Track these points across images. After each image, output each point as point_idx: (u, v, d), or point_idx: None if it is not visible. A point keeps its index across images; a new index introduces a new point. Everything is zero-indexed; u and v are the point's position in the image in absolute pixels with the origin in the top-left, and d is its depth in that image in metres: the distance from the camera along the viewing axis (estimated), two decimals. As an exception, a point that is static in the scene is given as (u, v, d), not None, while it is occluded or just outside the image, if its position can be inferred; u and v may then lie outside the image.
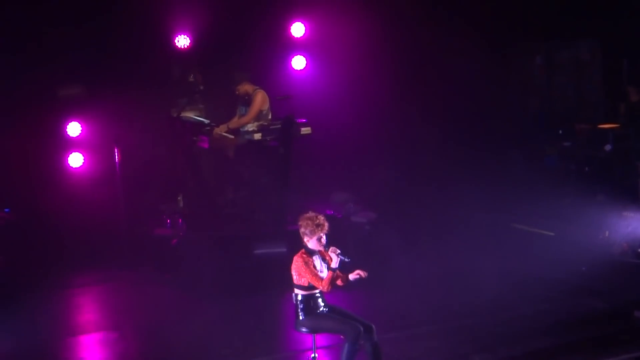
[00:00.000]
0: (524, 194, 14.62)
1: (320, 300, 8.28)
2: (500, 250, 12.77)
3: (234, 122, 13.71)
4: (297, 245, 8.34)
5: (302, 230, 8.26)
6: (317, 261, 8.27)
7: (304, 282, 8.20)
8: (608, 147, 14.44)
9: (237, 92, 13.63)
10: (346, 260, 8.16)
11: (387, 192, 15.01)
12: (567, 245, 12.79)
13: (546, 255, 12.52)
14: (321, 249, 8.26)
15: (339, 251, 8.16)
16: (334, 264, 8.14)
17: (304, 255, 8.24)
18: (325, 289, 8.16)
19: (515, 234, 13.75)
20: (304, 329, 8.30)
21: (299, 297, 8.26)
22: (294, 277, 8.24)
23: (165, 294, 12.02)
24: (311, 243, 8.24)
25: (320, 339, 8.97)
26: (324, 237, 8.24)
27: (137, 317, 11.30)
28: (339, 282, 8.24)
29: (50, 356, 10.06)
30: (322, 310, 8.29)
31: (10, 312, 11.25)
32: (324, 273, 8.22)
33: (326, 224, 8.28)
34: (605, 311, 10.68)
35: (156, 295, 12.03)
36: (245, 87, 13.61)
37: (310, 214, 8.32)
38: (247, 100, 13.71)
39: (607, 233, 12.84)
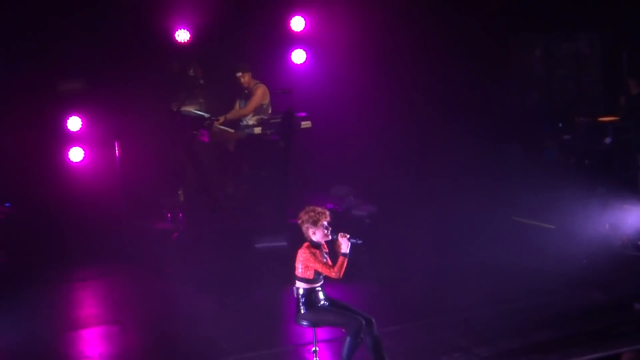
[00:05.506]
0: (524, 186, 14.61)
1: (321, 293, 8.30)
2: (500, 243, 12.76)
3: (232, 114, 13.76)
4: (298, 238, 8.34)
5: (305, 225, 8.25)
6: (322, 253, 8.30)
7: (309, 274, 8.20)
8: (608, 140, 14.43)
9: (240, 80, 13.67)
10: (358, 242, 8.15)
11: (387, 185, 15.01)
12: (567, 238, 12.78)
13: (546, 248, 12.51)
14: (327, 239, 8.25)
15: (348, 235, 8.17)
16: (344, 248, 8.15)
17: (311, 248, 8.25)
18: (338, 276, 8.15)
19: (515, 227, 13.75)
20: (304, 323, 8.32)
21: (300, 291, 8.27)
22: (299, 270, 8.24)
23: (166, 288, 12.02)
24: (317, 235, 8.23)
25: (321, 333, 8.97)
26: (328, 225, 8.25)
27: (138, 311, 11.31)
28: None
29: (51, 350, 10.05)
30: (323, 304, 8.31)
31: (11, 306, 11.26)
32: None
33: (327, 212, 8.29)
34: (606, 304, 10.67)
35: (157, 289, 12.03)
36: (247, 79, 13.68)
37: (307, 207, 8.33)
38: (247, 94, 13.76)
39: (607, 226, 12.85)
